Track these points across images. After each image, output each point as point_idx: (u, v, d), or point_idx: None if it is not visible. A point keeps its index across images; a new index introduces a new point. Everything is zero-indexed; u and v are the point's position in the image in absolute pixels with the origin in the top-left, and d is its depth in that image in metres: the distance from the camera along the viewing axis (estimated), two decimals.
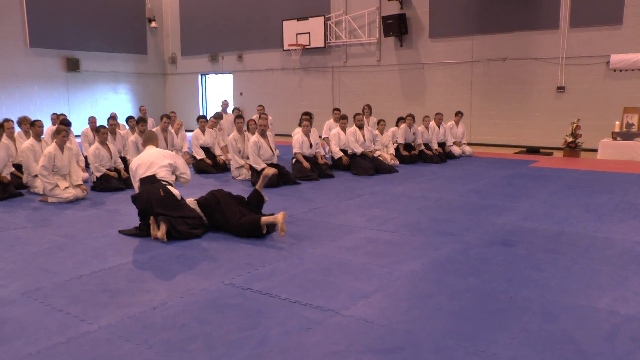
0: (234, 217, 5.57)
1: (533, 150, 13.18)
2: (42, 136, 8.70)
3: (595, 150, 12.13)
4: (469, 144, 13.17)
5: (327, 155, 10.61)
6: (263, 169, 8.49)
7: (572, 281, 4.14)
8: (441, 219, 6.24)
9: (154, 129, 10.14)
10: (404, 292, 3.99)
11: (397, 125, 11.50)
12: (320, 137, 10.97)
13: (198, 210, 5.78)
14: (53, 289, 4.10)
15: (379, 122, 11.24)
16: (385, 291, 3.98)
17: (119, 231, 5.78)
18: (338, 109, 12.42)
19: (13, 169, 8.55)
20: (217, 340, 3.20)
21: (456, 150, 12.10)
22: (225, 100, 14.29)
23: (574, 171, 9.91)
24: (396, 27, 15.13)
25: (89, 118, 11.29)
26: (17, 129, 9.48)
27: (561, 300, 3.77)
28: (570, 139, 12.14)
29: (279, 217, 5.37)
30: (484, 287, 4.04)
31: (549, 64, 13.44)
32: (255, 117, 11.99)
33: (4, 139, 8.77)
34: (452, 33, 14.74)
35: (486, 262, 4.62)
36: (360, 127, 10.18)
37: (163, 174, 5.79)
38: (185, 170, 6.12)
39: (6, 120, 8.96)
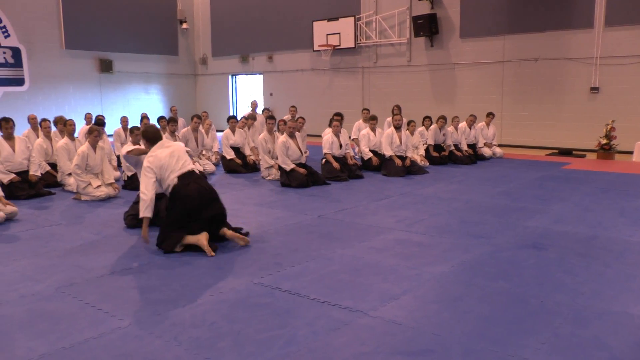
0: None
1: (565, 152, 12.96)
2: (76, 135, 8.88)
3: (631, 153, 11.87)
4: (500, 146, 13.02)
5: (356, 156, 10.58)
6: (292, 169, 8.56)
7: (606, 286, 4.07)
8: (471, 221, 6.18)
9: (184, 129, 10.29)
10: (433, 294, 3.97)
11: (422, 124, 11.43)
12: (349, 137, 10.95)
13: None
14: (85, 285, 4.19)
15: (409, 123, 11.18)
16: (414, 293, 3.96)
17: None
18: (367, 109, 12.44)
19: (49, 168, 8.77)
20: (246, 339, 3.23)
21: (486, 151, 11.98)
22: (255, 101, 14.36)
23: (608, 174, 9.71)
24: (427, 27, 15.04)
25: (121, 118, 11.48)
26: (53, 128, 9.69)
27: (594, 305, 3.70)
28: (604, 141, 11.91)
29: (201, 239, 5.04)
30: (514, 290, 3.99)
31: (583, 64, 13.20)
32: (286, 117, 12.06)
33: (40, 139, 9.02)
34: (483, 33, 14.58)
35: (516, 266, 4.57)
36: (398, 128, 10.09)
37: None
38: None
39: (43, 120, 9.20)
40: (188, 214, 5.08)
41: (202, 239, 4.98)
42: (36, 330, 3.39)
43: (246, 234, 5.41)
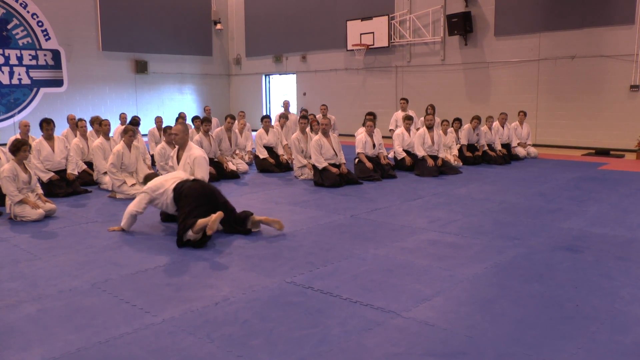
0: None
1: (603, 152, 12.68)
2: (111, 135, 9.06)
3: None
4: (535, 145, 12.80)
5: (389, 156, 10.49)
6: (325, 168, 8.56)
7: None
8: (505, 222, 6.10)
9: (218, 129, 10.39)
10: (466, 296, 3.94)
11: (452, 125, 11.23)
12: (390, 131, 10.96)
13: None
14: (120, 281, 4.28)
15: (442, 122, 11.10)
16: (447, 294, 3.93)
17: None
18: (405, 99, 12.57)
19: (85, 167, 8.98)
20: (278, 338, 3.25)
21: (521, 151, 11.80)
22: (287, 100, 14.43)
23: None
24: (461, 25, 14.88)
25: (156, 118, 11.65)
26: (89, 128, 9.90)
27: (633, 310, 3.61)
28: None
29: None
30: (549, 293, 3.93)
31: (622, 61, 12.89)
32: (318, 116, 12.09)
33: (77, 139, 9.23)
34: (519, 30, 14.36)
35: (551, 268, 4.49)
36: (430, 127, 10.01)
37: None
38: None
39: (79, 120, 9.43)
40: (196, 204, 5.32)
41: (213, 216, 5.09)
42: (74, 324, 3.48)
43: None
